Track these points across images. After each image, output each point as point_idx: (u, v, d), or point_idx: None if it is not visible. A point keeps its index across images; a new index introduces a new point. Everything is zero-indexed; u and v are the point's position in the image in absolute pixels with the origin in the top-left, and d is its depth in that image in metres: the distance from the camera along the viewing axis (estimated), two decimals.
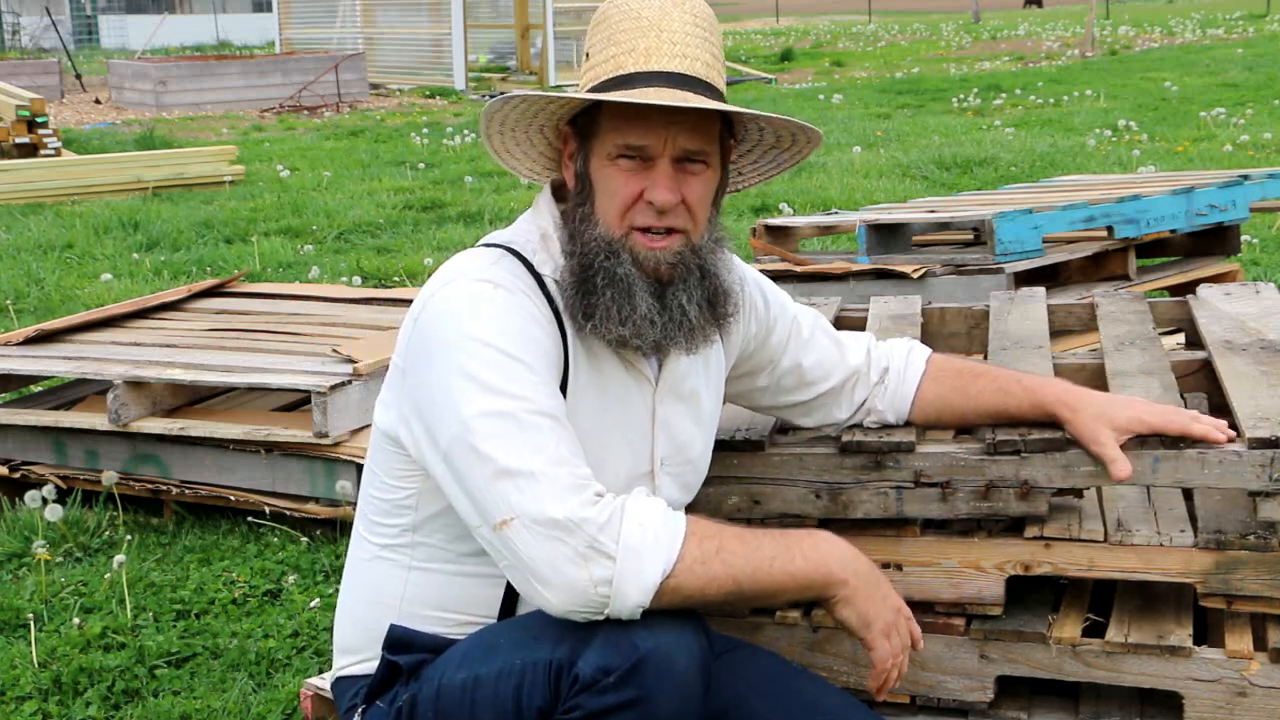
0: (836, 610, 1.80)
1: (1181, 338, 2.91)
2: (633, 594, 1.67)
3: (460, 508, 1.77)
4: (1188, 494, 2.18)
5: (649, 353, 1.91)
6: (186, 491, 3.68)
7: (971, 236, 4.42)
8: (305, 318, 4.32)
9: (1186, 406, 2.19)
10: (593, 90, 1.83)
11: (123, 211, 8.74)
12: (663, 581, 1.68)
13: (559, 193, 1.95)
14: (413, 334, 1.85)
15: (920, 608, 2.06)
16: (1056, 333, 2.83)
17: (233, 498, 3.63)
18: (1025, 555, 2.08)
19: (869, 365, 2.18)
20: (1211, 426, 1.99)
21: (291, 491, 3.59)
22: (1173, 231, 4.33)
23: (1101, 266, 4.29)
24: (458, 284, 1.82)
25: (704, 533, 1.73)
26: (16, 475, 3.82)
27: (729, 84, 1.94)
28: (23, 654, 2.91)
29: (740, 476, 2.16)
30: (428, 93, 18.51)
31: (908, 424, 2.17)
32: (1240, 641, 2.01)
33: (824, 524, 2.10)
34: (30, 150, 10.71)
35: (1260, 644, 2.00)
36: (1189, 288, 3.51)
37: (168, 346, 3.98)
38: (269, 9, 25.50)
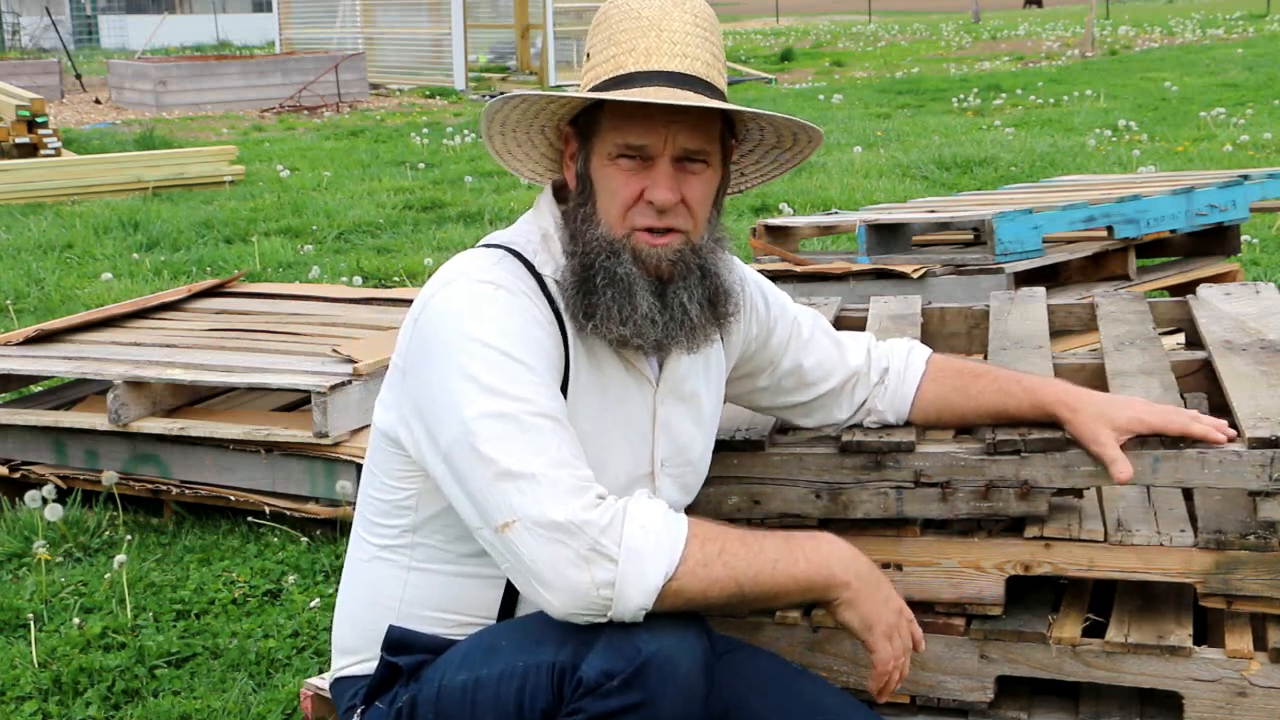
0: (839, 612, 1.80)
1: (1181, 338, 2.91)
2: (635, 596, 1.67)
3: (461, 509, 1.77)
4: (1188, 494, 2.18)
5: (650, 352, 1.90)
6: (186, 491, 3.68)
7: (971, 236, 4.42)
8: (305, 318, 4.32)
9: (1186, 406, 2.19)
10: (593, 90, 1.83)
11: (123, 211, 8.74)
12: (665, 584, 1.68)
13: (560, 193, 1.95)
14: (413, 334, 1.85)
15: (920, 608, 2.06)
16: (1056, 333, 2.83)
17: (233, 498, 3.63)
18: (1025, 555, 2.08)
19: (869, 365, 2.18)
20: (1211, 426, 1.99)
21: (291, 491, 3.59)
22: (1173, 231, 4.33)
23: (1101, 266, 4.29)
24: (458, 285, 1.82)
25: (706, 535, 1.73)
26: (16, 475, 3.82)
27: (729, 84, 1.94)
28: (23, 654, 2.91)
29: (740, 476, 2.16)
30: (428, 93, 18.51)
31: (908, 424, 2.17)
32: (1240, 641, 2.01)
33: (824, 524, 2.10)
34: (30, 150, 10.72)
35: (1260, 644, 2.00)
36: (1189, 288, 3.51)
37: (168, 346, 3.98)
38: (269, 9, 25.50)
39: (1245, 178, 4.55)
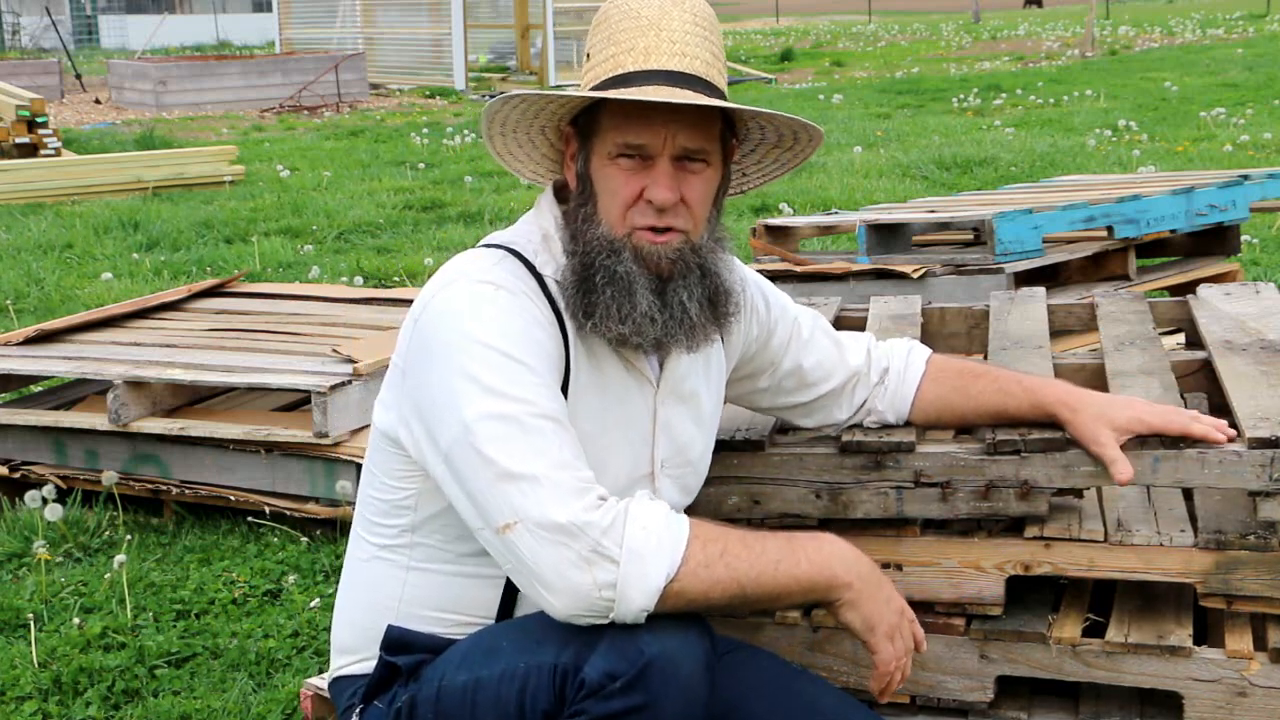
0: (840, 613, 1.80)
1: (1181, 338, 2.91)
2: (637, 598, 1.67)
3: (461, 509, 1.77)
4: (1188, 494, 2.18)
5: (650, 351, 1.90)
6: (186, 491, 3.68)
7: (971, 236, 4.42)
8: (305, 318, 4.32)
9: (1186, 406, 2.19)
10: (593, 90, 1.83)
11: (123, 211, 8.74)
12: (667, 585, 1.68)
13: (561, 193, 1.95)
14: (413, 335, 1.85)
15: (920, 608, 2.06)
16: (1056, 333, 2.83)
17: (233, 498, 3.63)
18: (1025, 555, 2.08)
19: (869, 366, 2.18)
20: (1211, 426, 1.99)
21: (291, 491, 3.59)
22: (1173, 231, 4.33)
23: (1101, 266, 4.29)
24: (459, 285, 1.82)
25: (708, 536, 1.73)
26: (16, 475, 3.82)
27: (730, 84, 1.94)
28: (23, 654, 2.91)
29: (740, 476, 2.16)
30: (428, 93, 18.51)
31: (908, 424, 2.17)
32: (1240, 641, 2.01)
33: (824, 524, 2.10)
34: (30, 150, 10.72)
35: (1260, 644, 2.00)
36: (1189, 288, 3.51)
37: (168, 346, 3.98)
38: (269, 9, 25.50)
39: (1245, 178, 4.55)
